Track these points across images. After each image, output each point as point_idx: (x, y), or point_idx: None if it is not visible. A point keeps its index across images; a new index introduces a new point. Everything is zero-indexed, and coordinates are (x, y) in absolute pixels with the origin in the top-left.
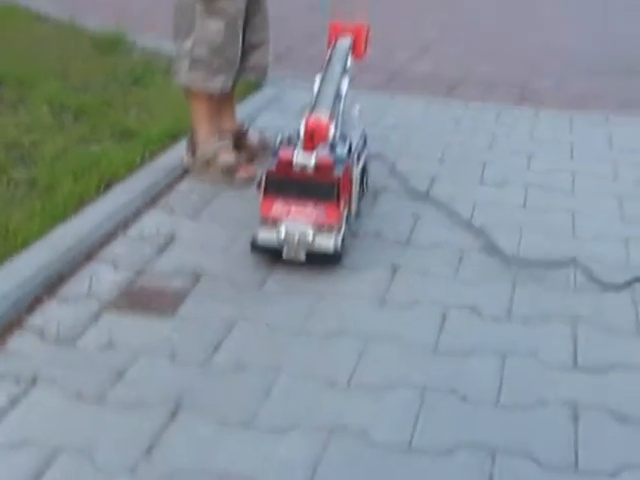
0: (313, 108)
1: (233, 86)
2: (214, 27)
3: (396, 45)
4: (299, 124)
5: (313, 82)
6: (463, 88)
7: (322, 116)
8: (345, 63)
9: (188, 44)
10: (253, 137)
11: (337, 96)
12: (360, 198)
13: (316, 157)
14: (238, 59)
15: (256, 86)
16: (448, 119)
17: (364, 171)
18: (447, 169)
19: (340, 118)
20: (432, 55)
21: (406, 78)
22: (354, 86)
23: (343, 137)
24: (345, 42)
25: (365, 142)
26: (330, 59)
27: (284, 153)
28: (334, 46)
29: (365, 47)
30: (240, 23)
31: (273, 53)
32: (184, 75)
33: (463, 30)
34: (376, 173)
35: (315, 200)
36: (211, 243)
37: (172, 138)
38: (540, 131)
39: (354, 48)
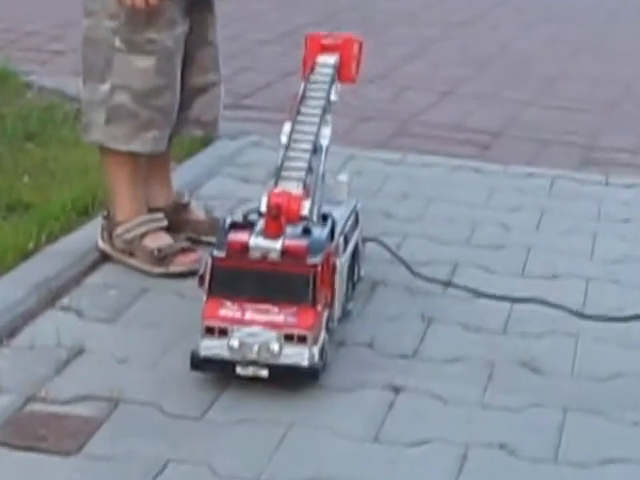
0: (279, 173)
1: (169, 144)
2: (141, 66)
3: (409, 84)
4: (262, 195)
5: (280, 133)
6: (501, 145)
7: (293, 186)
8: (327, 97)
9: (104, 88)
10: (197, 213)
11: (315, 153)
12: (349, 295)
13: (283, 241)
14: (176, 108)
15: (204, 142)
16: (479, 189)
17: (355, 258)
18: (474, 256)
19: (320, 186)
20: (458, 98)
21: (422, 131)
22: (348, 142)
23: (324, 214)
24: (328, 62)
25: (357, 220)
26: (305, 92)
27: (237, 236)
28: (312, 69)
29: (357, 68)
30: (178, 60)
31: (229, 97)
32: (99, 130)
33: (500, 63)
34: (373, 261)
35: (282, 299)
36: (134, 357)
37: (80, 213)
38: (609, 206)
39: (340, 70)
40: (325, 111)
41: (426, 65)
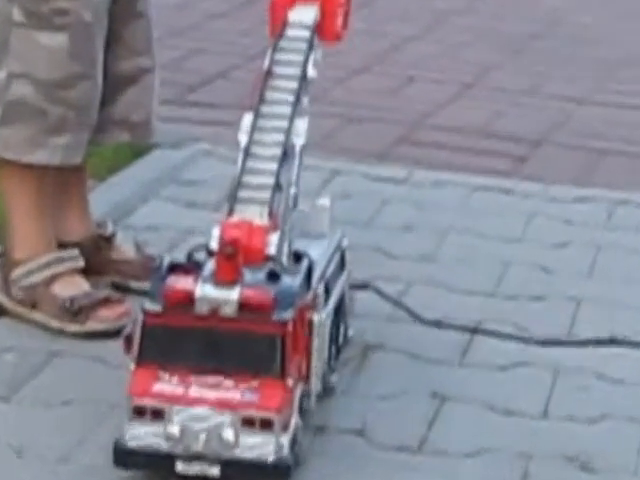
0: (236, 194)
1: (86, 155)
2: (48, 45)
3: (417, 72)
4: (212, 226)
5: (237, 133)
6: (542, 158)
7: (254, 212)
8: (303, 73)
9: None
10: (124, 249)
11: (285, 159)
12: (332, 363)
13: (241, 289)
14: (97, 105)
15: (135, 152)
16: (511, 217)
17: (340, 313)
18: (504, 310)
19: (291, 209)
20: (484, 92)
21: (434, 137)
22: (332, 151)
23: (297, 253)
24: (303, 20)
25: (343, 260)
26: (272, 68)
27: (179, 282)
28: (280, 32)
29: (344, 20)
30: (99, 38)
31: (171, 89)
32: None
33: (543, 44)
34: (366, 316)
35: (239, 370)
36: (37, 448)
37: None
38: None
39: (322, 25)
40: (299, 95)
41: (441, 46)
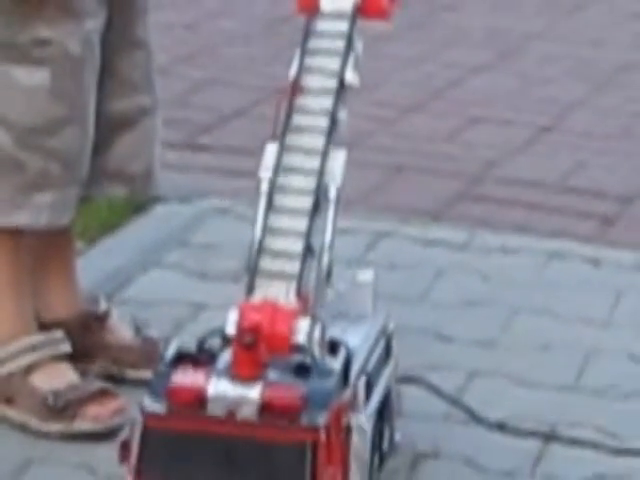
0: (257, 265)
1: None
2: (28, 84)
3: (481, 111)
4: (228, 306)
5: (258, 180)
6: (635, 219)
7: (280, 289)
8: (341, 77)
9: None
10: (120, 331)
11: (316, 216)
12: (374, 475)
13: (263, 387)
14: (87, 154)
15: (134, 208)
16: (597, 292)
17: (385, 414)
18: (588, 408)
19: (322, 287)
20: (564, 137)
21: (502, 192)
22: (375, 209)
23: (332, 342)
24: (341, 7)
25: (389, 348)
26: (301, 73)
27: (187, 376)
28: (309, 28)
29: None
30: (89, 73)
31: (178, 132)
32: None
33: (634, 79)
34: (417, 417)
35: None
36: None
37: None
38: None
39: (365, 3)
40: (335, 116)
41: (511, 78)
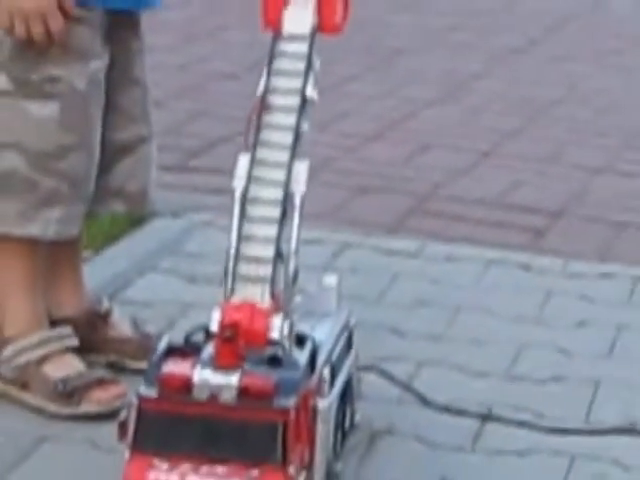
0: (235, 270)
1: (81, 226)
2: (39, 115)
3: (431, 139)
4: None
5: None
6: (562, 231)
7: (255, 293)
8: (303, 94)
9: None
10: (121, 327)
11: (284, 216)
12: (337, 450)
13: (241, 375)
14: (92, 176)
15: (134, 222)
16: (528, 294)
17: (347, 398)
18: (519, 393)
19: (290, 289)
20: (502, 161)
21: (448, 209)
22: (340, 223)
23: (299, 335)
24: (301, 23)
25: (350, 341)
26: (268, 92)
27: (176, 366)
28: (274, 47)
29: (345, 9)
30: (95, 107)
31: (173, 155)
32: None
33: (564, 110)
34: (374, 400)
35: (238, 458)
36: None
37: None
38: None
39: (320, 17)
40: (299, 131)
41: (458, 111)
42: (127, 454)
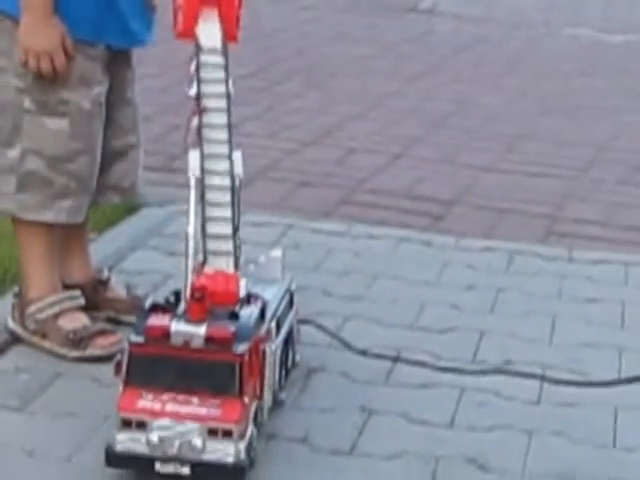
0: (205, 246)
1: (87, 214)
2: (53, 128)
3: (356, 144)
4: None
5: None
6: (455, 216)
7: (222, 263)
8: (228, 94)
9: (14, 154)
10: (117, 290)
11: (233, 195)
12: (282, 383)
13: (208, 326)
14: (95, 175)
15: (129, 210)
16: (429, 264)
17: (289, 343)
18: (421, 340)
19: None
20: (410, 162)
21: (369, 199)
22: (285, 210)
23: (250, 294)
24: (212, 38)
25: (292, 301)
26: (201, 97)
27: (158, 319)
28: (198, 53)
29: (237, 22)
30: (97, 122)
31: (158, 159)
32: (9, 199)
33: (457, 122)
34: (310, 345)
35: (205, 390)
36: (45, 450)
37: None
38: (573, 285)
39: (224, 29)
40: (231, 127)
41: (376, 123)
42: (121, 387)
